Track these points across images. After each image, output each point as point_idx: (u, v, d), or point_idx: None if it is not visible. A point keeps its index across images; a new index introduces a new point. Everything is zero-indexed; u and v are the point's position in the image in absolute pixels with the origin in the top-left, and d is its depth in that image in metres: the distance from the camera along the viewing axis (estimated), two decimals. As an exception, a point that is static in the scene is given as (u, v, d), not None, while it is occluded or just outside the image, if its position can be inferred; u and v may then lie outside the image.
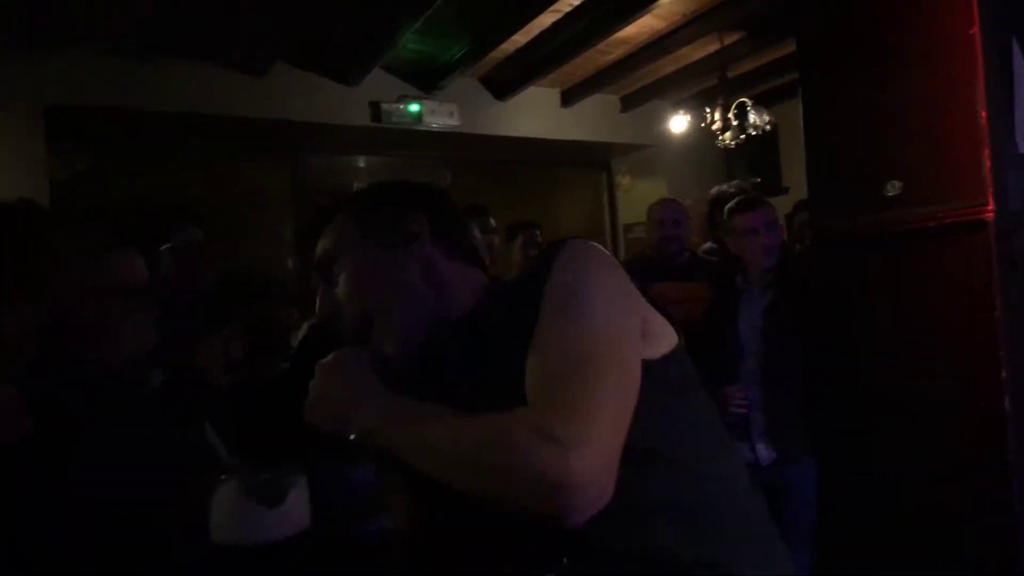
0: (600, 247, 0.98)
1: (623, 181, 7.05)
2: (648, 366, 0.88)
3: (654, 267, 3.27)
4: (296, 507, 0.79)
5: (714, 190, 3.82)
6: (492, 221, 3.56)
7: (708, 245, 3.79)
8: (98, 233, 1.18)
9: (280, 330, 2.81)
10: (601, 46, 4.92)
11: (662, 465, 0.86)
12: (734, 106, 4.98)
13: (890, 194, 2.30)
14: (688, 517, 0.85)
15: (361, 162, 6.11)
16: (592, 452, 0.77)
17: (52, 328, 1.09)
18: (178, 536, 0.91)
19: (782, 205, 4.02)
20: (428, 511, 0.96)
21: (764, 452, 2.57)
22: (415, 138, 5.58)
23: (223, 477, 0.79)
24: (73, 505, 0.97)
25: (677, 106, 5.95)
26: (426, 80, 5.32)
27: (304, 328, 3.14)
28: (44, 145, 4.34)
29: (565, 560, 0.83)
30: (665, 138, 6.10)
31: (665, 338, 0.96)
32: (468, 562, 0.91)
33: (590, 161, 7.02)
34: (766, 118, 4.90)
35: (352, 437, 0.90)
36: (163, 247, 2.19)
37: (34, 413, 1.00)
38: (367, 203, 1.08)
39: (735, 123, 4.96)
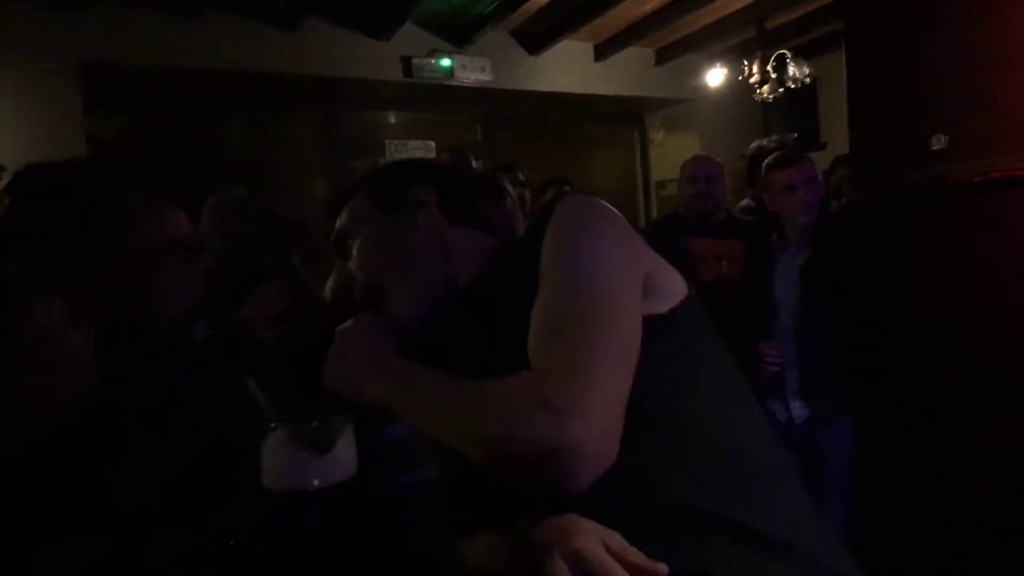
0: (600, 201, 0.97)
1: (656, 137, 6.95)
2: (653, 321, 0.87)
3: (686, 225, 3.21)
4: (344, 454, 0.81)
5: (753, 145, 3.75)
6: (521, 176, 3.54)
7: (746, 202, 3.72)
8: (149, 190, 1.21)
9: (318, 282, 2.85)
10: (636, -3, 4.83)
11: (665, 422, 0.86)
12: (772, 58, 4.86)
13: (935, 148, 2.24)
14: (697, 471, 0.84)
15: (392, 118, 6.09)
16: (592, 417, 0.76)
17: (122, 287, 1.12)
18: (234, 485, 0.94)
19: (820, 161, 3.93)
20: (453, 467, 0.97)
21: (798, 410, 2.56)
22: (446, 93, 5.54)
23: (273, 426, 0.81)
24: (140, 462, 1.03)
25: (713, 59, 5.83)
26: (457, 34, 5.26)
27: (331, 281, 3.19)
28: (80, 102, 4.39)
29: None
30: (700, 92, 5.99)
31: (674, 291, 0.94)
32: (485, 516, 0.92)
33: (623, 116, 6.92)
34: (806, 70, 4.78)
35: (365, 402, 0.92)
36: (207, 203, 2.19)
37: (105, 368, 1.04)
38: (378, 179, 1.13)
39: (773, 76, 4.85)
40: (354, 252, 1.08)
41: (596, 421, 0.77)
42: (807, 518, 0.90)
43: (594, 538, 0.74)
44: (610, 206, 0.97)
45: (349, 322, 1.02)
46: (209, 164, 2.40)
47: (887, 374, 2.40)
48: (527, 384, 0.80)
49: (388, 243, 1.06)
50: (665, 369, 0.87)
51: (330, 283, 1.12)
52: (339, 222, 1.11)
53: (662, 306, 0.91)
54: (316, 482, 0.79)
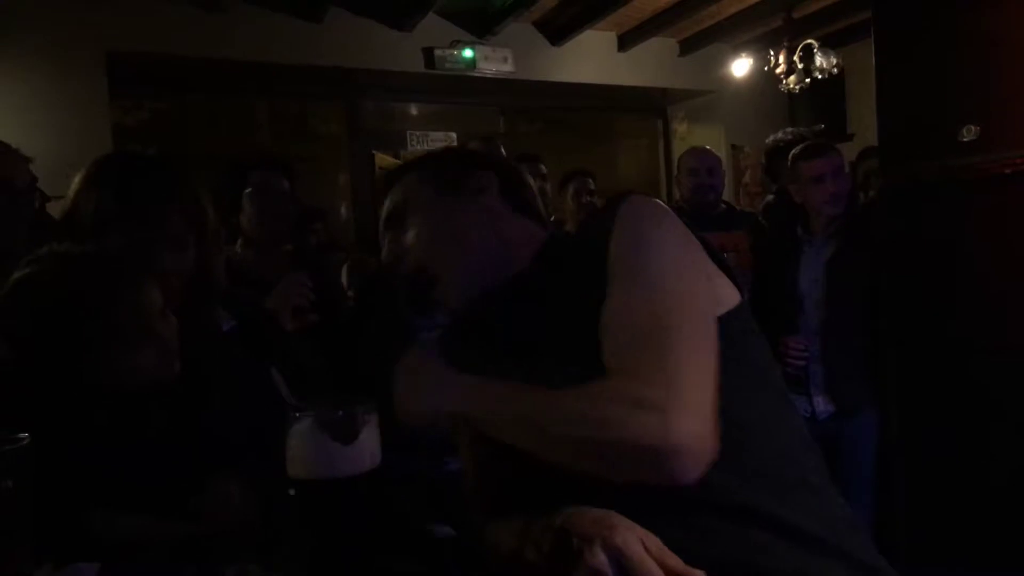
0: (662, 203, 0.98)
1: (680, 128, 6.89)
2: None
3: (687, 218, 3.17)
4: (368, 444, 0.81)
5: (770, 138, 3.71)
6: (543, 167, 3.53)
7: (769, 198, 3.68)
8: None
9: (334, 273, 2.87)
10: (660, -14, 4.78)
11: (721, 425, 0.85)
12: (799, 48, 4.79)
13: (965, 139, 2.20)
14: (744, 472, 0.85)
15: (414, 109, 6.09)
16: (689, 412, 0.78)
17: (200, 270, 1.25)
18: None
19: (847, 152, 3.88)
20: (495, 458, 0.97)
21: (822, 405, 2.54)
22: (469, 84, 5.52)
23: (297, 415, 0.81)
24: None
25: (738, 49, 5.76)
26: (480, 25, 5.24)
27: (345, 270, 3.20)
28: (106, 91, 4.43)
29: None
30: (725, 83, 5.92)
31: (727, 294, 0.96)
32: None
33: (646, 108, 6.87)
34: (833, 60, 4.71)
35: (445, 428, 0.93)
36: (245, 192, 2.15)
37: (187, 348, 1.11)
38: (439, 161, 1.14)
39: (800, 66, 4.78)
40: (410, 230, 1.07)
41: (698, 417, 0.79)
42: (843, 519, 0.91)
43: (634, 536, 0.74)
44: (669, 209, 0.99)
45: (405, 356, 1.01)
46: (247, 152, 2.36)
47: (927, 365, 2.35)
48: (625, 386, 0.81)
49: (447, 223, 1.06)
50: (723, 370, 0.87)
51: (384, 253, 1.12)
52: (392, 198, 1.10)
53: (719, 309, 0.93)
54: (339, 471, 0.79)
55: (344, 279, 3.07)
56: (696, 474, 0.77)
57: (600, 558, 0.72)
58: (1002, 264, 2.17)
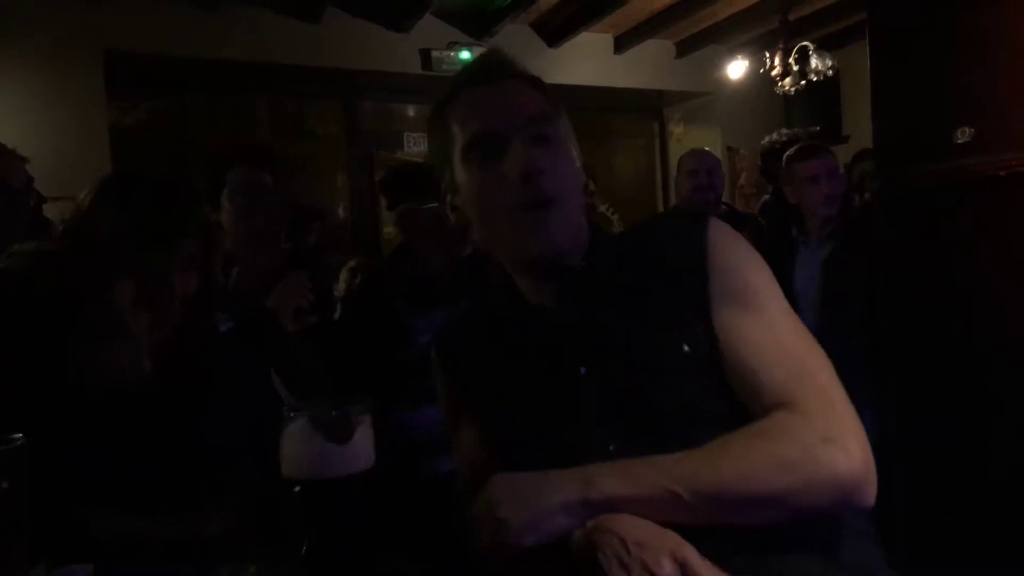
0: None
1: (676, 130, 6.90)
2: None
3: None
4: (362, 444, 0.81)
5: (765, 140, 3.72)
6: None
7: (766, 197, 3.70)
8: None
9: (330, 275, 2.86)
10: (657, -12, 4.79)
11: None
12: (795, 50, 4.80)
13: (960, 141, 2.21)
14: None
15: (411, 110, 6.09)
16: (859, 439, 0.83)
17: (203, 283, 1.29)
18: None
19: (842, 154, 3.89)
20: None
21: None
22: (466, 86, 5.51)
23: (292, 415, 0.81)
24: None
25: (734, 51, 5.77)
26: (477, 26, 5.25)
27: (345, 273, 3.19)
28: (104, 91, 4.43)
29: None
30: (721, 85, 5.93)
31: None
32: None
33: (643, 109, 6.88)
34: (828, 62, 4.71)
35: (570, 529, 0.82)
36: (223, 191, 2.04)
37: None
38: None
39: (795, 68, 4.78)
40: (556, 145, 0.99)
41: (862, 440, 0.84)
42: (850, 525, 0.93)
43: (691, 549, 0.77)
44: None
45: (487, 489, 0.86)
46: (233, 148, 2.17)
47: (925, 366, 2.36)
48: (801, 427, 0.83)
49: (575, 161, 1.04)
50: None
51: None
52: (537, 100, 1.03)
53: None
54: (333, 472, 0.79)
55: (343, 281, 3.04)
56: (873, 497, 0.83)
57: (668, 569, 0.74)
58: (999, 265, 2.17)
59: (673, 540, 0.77)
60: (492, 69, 1.04)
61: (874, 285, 2.48)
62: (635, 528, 0.78)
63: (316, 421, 0.79)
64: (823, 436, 0.81)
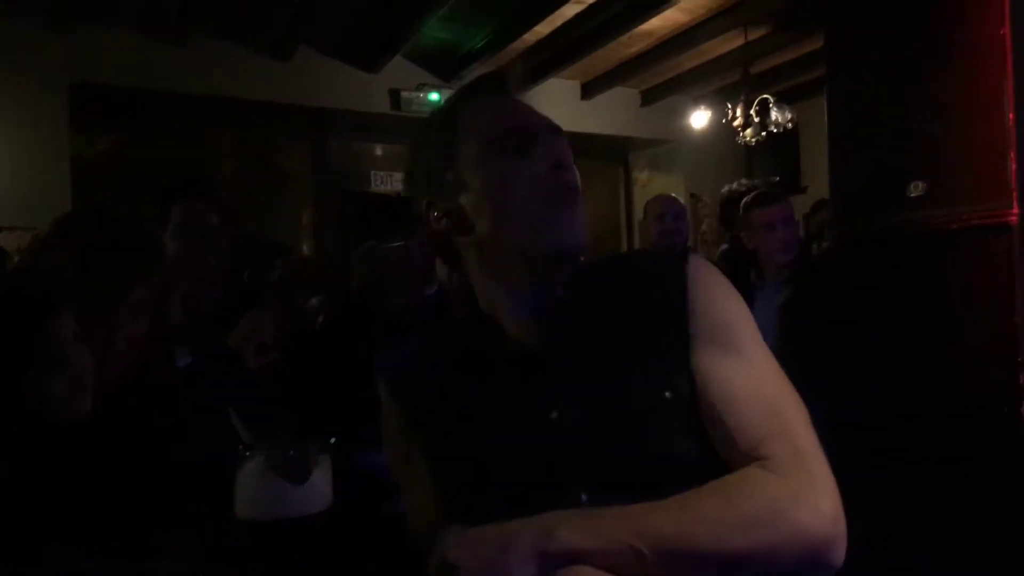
0: None
1: (640, 176, 7.02)
2: None
3: None
4: (320, 485, 0.80)
5: (725, 188, 3.81)
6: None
7: (724, 247, 3.77)
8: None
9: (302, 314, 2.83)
10: (624, 39, 4.90)
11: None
12: (756, 102, 4.94)
13: (913, 195, 2.28)
14: None
15: (379, 149, 6.10)
16: (829, 495, 0.81)
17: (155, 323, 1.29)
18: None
19: (800, 205, 3.99)
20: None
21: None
22: (434, 127, 5.55)
23: (248, 453, 0.80)
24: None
25: (698, 101, 5.92)
26: (446, 69, 5.32)
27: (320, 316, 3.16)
28: (67, 122, 4.38)
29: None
30: (685, 134, 6.07)
31: None
32: None
33: (608, 155, 6.98)
34: (788, 115, 4.87)
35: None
36: (168, 227, 1.92)
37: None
38: None
39: (756, 120, 4.93)
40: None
41: (834, 496, 0.81)
42: None
43: None
44: None
45: (443, 545, 0.84)
46: (178, 183, 2.02)
47: (881, 409, 2.38)
48: (770, 482, 0.81)
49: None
50: None
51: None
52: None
53: None
54: (289, 512, 0.77)
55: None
56: (843, 554, 0.80)
57: None
58: (949, 317, 2.22)
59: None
60: (507, 83, 1.11)
61: (833, 333, 2.52)
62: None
63: (272, 460, 0.78)
64: (792, 492, 0.79)
